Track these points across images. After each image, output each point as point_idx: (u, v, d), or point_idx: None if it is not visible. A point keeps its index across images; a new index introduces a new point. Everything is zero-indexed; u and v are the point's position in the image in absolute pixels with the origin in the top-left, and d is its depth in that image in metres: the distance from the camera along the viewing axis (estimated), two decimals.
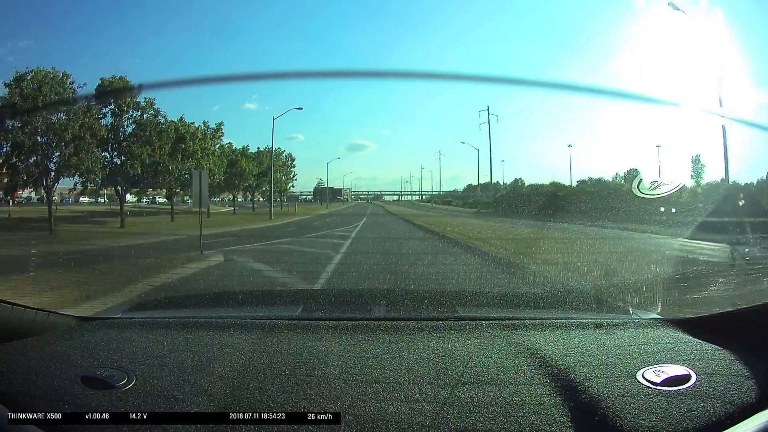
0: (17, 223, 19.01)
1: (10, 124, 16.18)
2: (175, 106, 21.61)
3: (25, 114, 16.53)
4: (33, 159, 17.02)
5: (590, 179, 30.34)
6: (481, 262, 8.76)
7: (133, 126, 19.83)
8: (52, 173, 17.48)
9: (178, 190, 23.28)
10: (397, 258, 9.38)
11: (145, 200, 31.20)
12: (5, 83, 16.43)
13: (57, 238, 14.81)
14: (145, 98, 19.35)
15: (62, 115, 16.94)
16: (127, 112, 19.72)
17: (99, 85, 18.56)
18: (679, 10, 17.97)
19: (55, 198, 21.10)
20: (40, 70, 16.38)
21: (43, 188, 17.69)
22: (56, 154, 17.12)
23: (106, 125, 19.22)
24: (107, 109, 19.37)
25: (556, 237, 13.48)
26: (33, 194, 22.39)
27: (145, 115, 19.99)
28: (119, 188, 20.34)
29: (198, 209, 11.85)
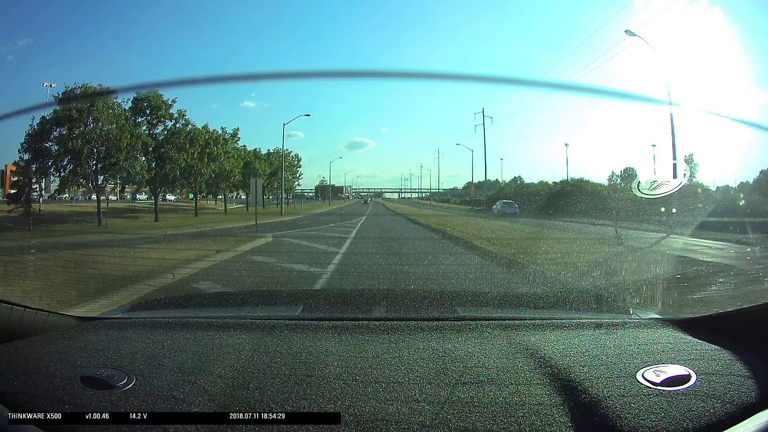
0: (64, 217, 21.67)
1: (68, 133, 18.95)
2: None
3: (79, 124, 19.14)
4: (86, 163, 19.71)
5: (571, 179, 31.80)
6: (436, 235, 14.41)
7: (166, 134, 22.47)
8: (101, 176, 20.49)
9: (202, 189, 26.85)
10: (388, 230, 17.71)
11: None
12: (56, 97, 19.32)
13: (113, 229, 17.62)
14: (177, 110, 22.48)
15: (113, 126, 19.74)
16: (164, 122, 22.55)
17: (135, 98, 21.62)
18: (635, 35, 18.28)
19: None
20: (89, 86, 18.35)
21: (93, 188, 20.79)
22: (111, 160, 19.83)
23: (149, 134, 21.99)
24: (142, 119, 22.09)
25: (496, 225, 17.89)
26: (66, 193, 25.41)
27: (177, 125, 22.77)
28: (153, 188, 23.31)
29: (254, 206, 17.25)
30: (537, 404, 1.11)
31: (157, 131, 22.36)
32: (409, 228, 18.40)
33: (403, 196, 67.03)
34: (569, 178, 32.59)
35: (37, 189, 20.02)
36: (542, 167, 68.09)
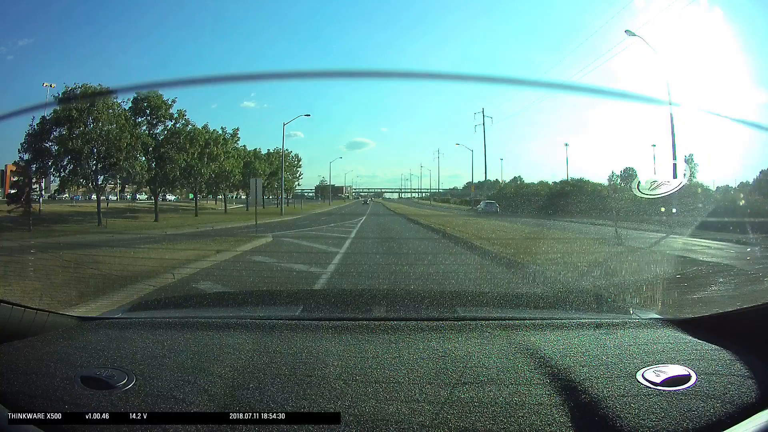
0: (63, 217, 21.67)
1: (68, 133, 18.96)
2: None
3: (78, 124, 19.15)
4: (86, 163, 19.75)
5: (571, 179, 32.18)
6: (436, 235, 14.93)
7: (166, 134, 22.45)
8: (101, 176, 20.46)
9: (202, 188, 27.06)
10: (388, 230, 17.95)
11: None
12: (55, 97, 19.42)
13: (113, 229, 17.73)
14: (177, 110, 22.46)
15: (113, 126, 19.72)
16: (164, 122, 22.54)
17: (135, 98, 21.63)
18: (635, 35, 18.31)
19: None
20: (89, 86, 18.37)
21: (93, 188, 20.82)
22: (111, 160, 19.81)
23: (149, 134, 22.04)
24: (142, 119, 22.09)
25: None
26: (66, 193, 25.41)
27: (177, 125, 22.75)
28: (153, 188, 23.30)
29: (254, 206, 17.46)
30: (537, 404, 1.11)
31: (157, 131, 22.40)
32: (408, 228, 18.43)
33: (403, 196, 67.20)
34: (569, 178, 32.80)
35: (37, 189, 20.04)
36: (542, 167, 68.29)
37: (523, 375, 1.26)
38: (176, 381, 1.21)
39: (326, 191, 52.75)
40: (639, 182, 2.27)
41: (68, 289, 5.76)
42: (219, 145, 24.37)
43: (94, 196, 21.72)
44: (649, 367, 1.24)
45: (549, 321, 1.79)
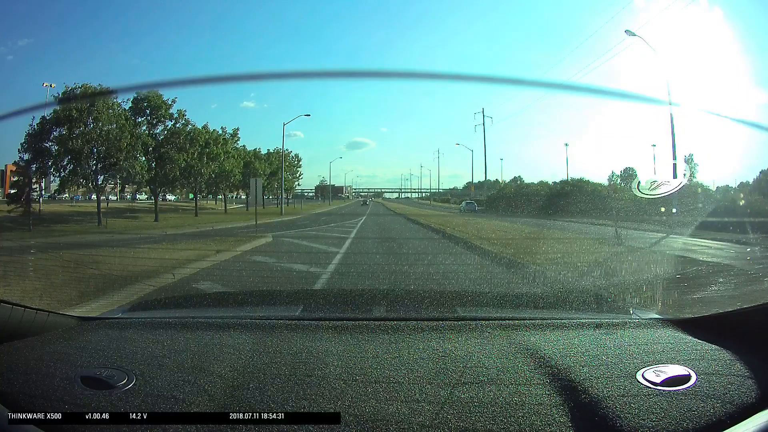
0: (64, 217, 21.68)
1: (68, 133, 19.00)
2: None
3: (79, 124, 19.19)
4: (86, 163, 19.83)
5: (571, 179, 32.28)
6: (436, 235, 15.00)
7: (166, 134, 22.47)
8: (101, 176, 20.48)
9: (202, 189, 27.20)
10: (388, 230, 18.09)
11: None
12: (55, 97, 19.39)
13: (113, 229, 17.75)
14: (177, 110, 22.50)
15: (113, 126, 19.78)
16: (164, 122, 22.56)
17: (135, 98, 21.69)
18: (635, 35, 18.34)
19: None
20: (89, 86, 18.37)
21: (93, 188, 20.91)
22: (111, 160, 19.94)
23: (149, 134, 22.10)
24: (142, 119, 22.12)
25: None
26: (66, 193, 25.69)
27: (177, 125, 22.76)
28: (153, 188, 23.63)
29: (254, 206, 17.45)
30: (537, 404, 1.11)
31: (157, 131, 22.41)
32: (408, 228, 18.43)
33: (403, 196, 67.17)
34: (569, 178, 32.78)
35: (37, 189, 20.06)
36: (542, 167, 68.40)
37: (523, 375, 1.26)
38: (176, 381, 1.21)
39: (326, 191, 52.78)
40: (639, 182, 2.27)
41: (68, 289, 5.76)
42: (219, 145, 24.35)
43: (94, 196, 21.73)
44: (649, 367, 1.24)
45: (549, 321, 1.79)
